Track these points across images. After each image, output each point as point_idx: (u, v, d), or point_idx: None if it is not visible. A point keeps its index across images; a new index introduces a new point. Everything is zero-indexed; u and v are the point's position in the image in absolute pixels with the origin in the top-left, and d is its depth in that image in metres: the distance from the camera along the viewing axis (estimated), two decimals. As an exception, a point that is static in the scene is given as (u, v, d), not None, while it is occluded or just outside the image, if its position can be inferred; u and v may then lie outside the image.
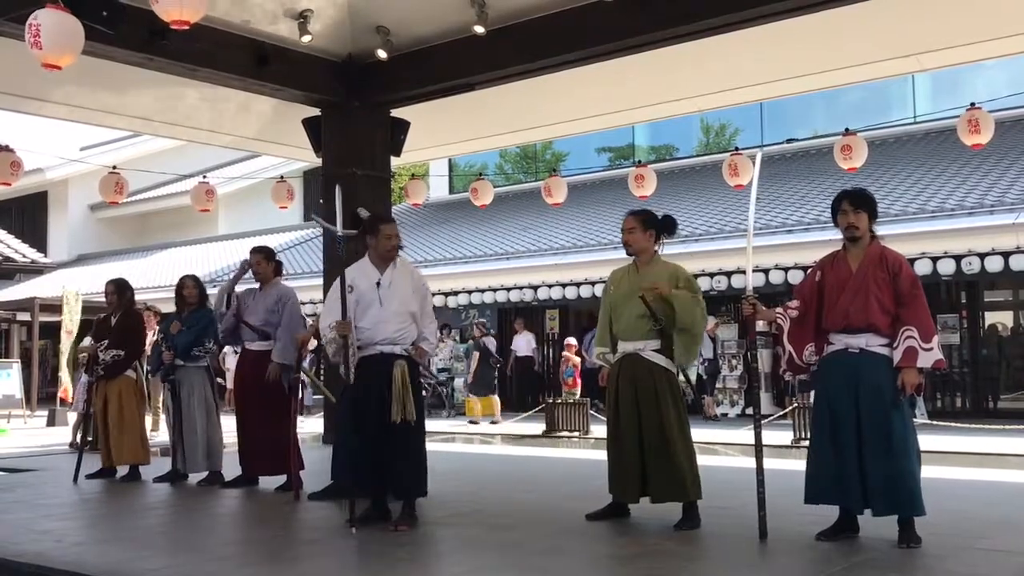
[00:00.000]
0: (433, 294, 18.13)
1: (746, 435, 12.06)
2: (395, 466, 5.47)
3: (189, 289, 7.92)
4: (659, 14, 8.20)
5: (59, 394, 16.63)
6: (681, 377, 5.62)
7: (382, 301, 5.55)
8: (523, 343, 17.69)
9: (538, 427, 13.88)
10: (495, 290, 17.36)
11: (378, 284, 5.58)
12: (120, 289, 8.24)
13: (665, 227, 5.70)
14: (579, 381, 14.90)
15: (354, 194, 9.75)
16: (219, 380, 8.94)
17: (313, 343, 8.39)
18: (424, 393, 5.86)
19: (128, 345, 8.11)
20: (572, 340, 15.43)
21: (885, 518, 4.84)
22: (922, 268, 13.08)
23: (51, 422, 15.86)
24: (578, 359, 15.10)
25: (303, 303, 8.53)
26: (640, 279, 5.56)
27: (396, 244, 5.67)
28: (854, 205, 4.93)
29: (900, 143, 17.26)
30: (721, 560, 4.81)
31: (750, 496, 5.19)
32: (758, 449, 5.09)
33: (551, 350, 18.34)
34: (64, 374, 16.61)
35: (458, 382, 18.34)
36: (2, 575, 4.89)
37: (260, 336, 7.27)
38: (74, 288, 18.24)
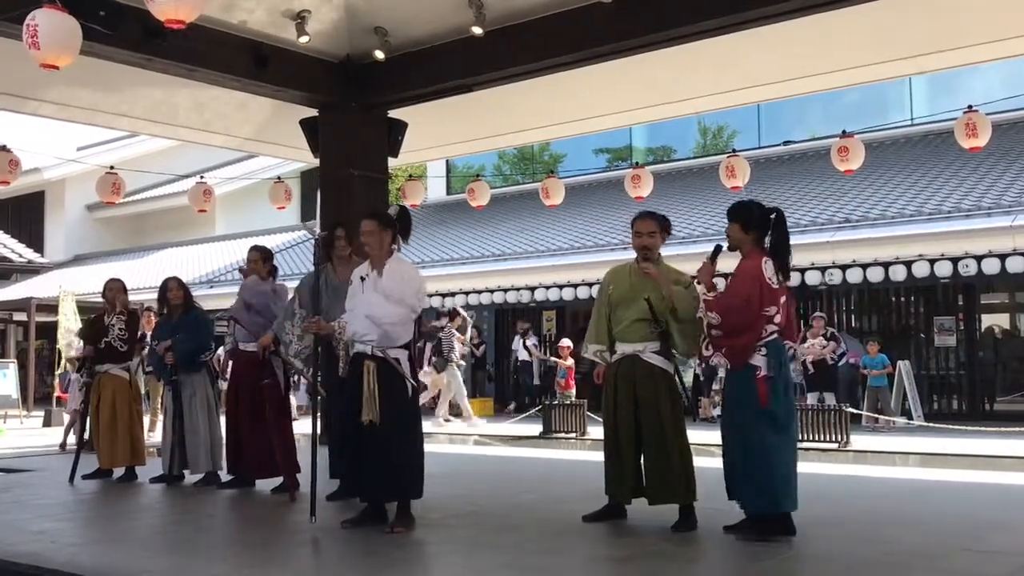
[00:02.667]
0: (430, 295, 18.18)
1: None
2: (375, 467, 5.43)
3: (174, 291, 7.89)
4: (657, 16, 8.20)
5: (56, 394, 16.60)
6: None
7: (363, 294, 5.53)
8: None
9: (535, 428, 13.88)
10: (492, 291, 17.37)
11: (362, 279, 5.58)
12: (125, 288, 8.36)
13: (667, 228, 5.70)
14: (572, 383, 14.89)
15: (351, 195, 9.79)
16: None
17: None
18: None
19: (132, 335, 8.16)
20: (567, 342, 15.43)
21: (885, 518, 4.85)
22: (919, 270, 13.10)
23: (47, 422, 15.84)
24: (571, 361, 15.09)
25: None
26: (641, 281, 5.54)
27: (366, 240, 5.56)
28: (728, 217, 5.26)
29: (897, 145, 17.28)
30: (718, 561, 4.81)
31: (747, 497, 5.19)
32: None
33: (549, 351, 18.34)
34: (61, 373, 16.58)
35: (455, 383, 18.36)
36: (-2, 575, 4.89)
37: (254, 337, 7.25)
38: (71, 289, 18.26)
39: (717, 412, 15.35)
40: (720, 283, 5.44)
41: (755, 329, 4.99)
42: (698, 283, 5.26)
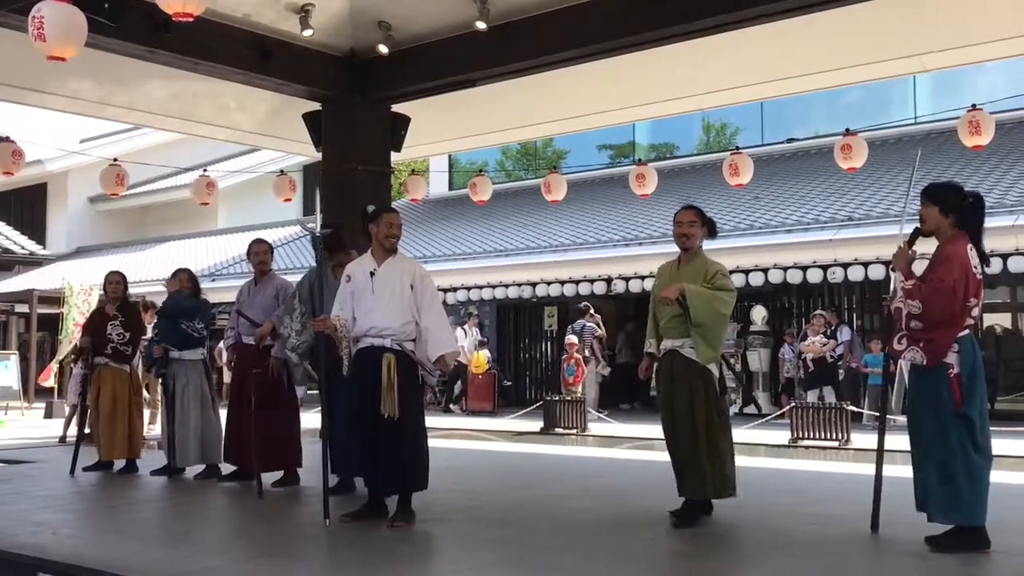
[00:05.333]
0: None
1: (744, 434, 12.10)
2: (386, 461, 5.45)
3: (181, 282, 7.92)
4: (661, 12, 8.18)
5: (40, 378, 16.55)
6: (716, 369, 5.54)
7: (374, 290, 5.55)
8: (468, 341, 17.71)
9: (536, 424, 13.89)
10: (494, 287, 17.36)
11: (372, 273, 5.60)
12: (125, 281, 8.39)
13: (711, 226, 5.75)
14: (580, 379, 14.93)
15: (354, 189, 9.78)
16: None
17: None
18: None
19: (133, 331, 8.16)
20: (574, 338, 15.44)
21: (889, 517, 4.85)
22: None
23: (48, 414, 15.85)
24: (579, 356, 15.11)
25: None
26: (681, 275, 5.59)
27: (397, 234, 5.69)
28: (925, 198, 4.93)
29: (900, 143, 17.26)
30: (720, 557, 4.81)
31: (748, 494, 5.20)
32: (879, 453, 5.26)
33: (550, 347, 18.36)
34: (55, 363, 16.53)
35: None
36: (-1, 566, 4.90)
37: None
38: (75, 280, 18.24)
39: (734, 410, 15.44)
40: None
41: (959, 321, 4.64)
42: (894, 270, 4.95)
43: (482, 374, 16.91)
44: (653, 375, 5.73)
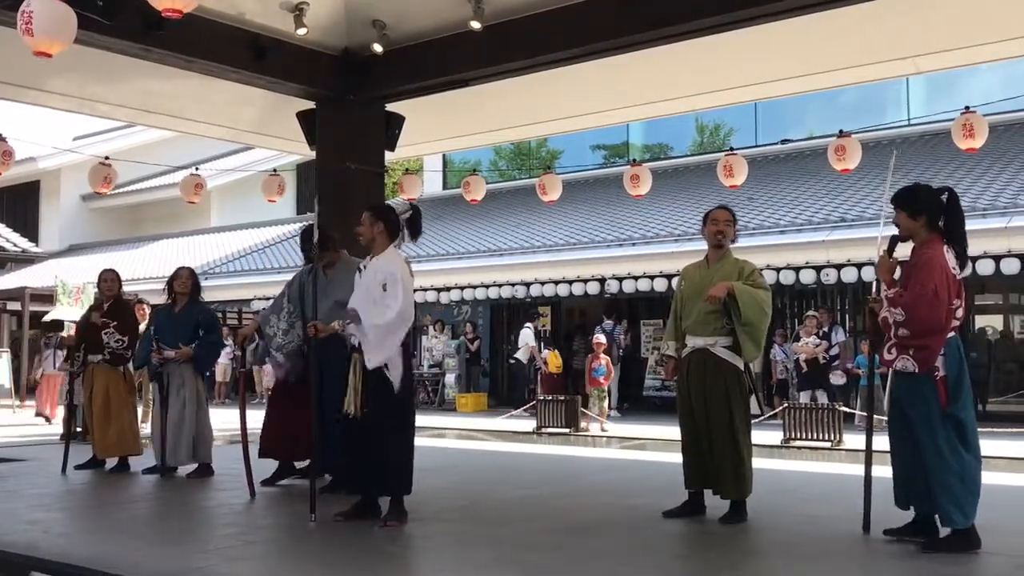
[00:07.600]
0: (425, 289, 18.15)
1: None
2: (366, 461, 5.43)
3: (182, 281, 7.88)
4: (654, 13, 8.19)
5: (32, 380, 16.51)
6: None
7: (356, 289, 5.56)
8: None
9: (528, 424, 13.89)
10: (487, 286, 17.37)
11: (358, 273, 5.62)
12: (120, 279, 8.35)
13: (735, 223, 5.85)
14: (610, 378, 14.89)
15: (348, 188, 9.77)
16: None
17: None
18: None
19: (129, 332, 8.14)
20: (602, 337, 15.40)
21: (878, 517, 4.85)
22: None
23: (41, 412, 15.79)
24: (606, 356, 15.12)
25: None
26: (711, 273, 5.61)
27: (360, 231, 5.60)
28: (893, 205, 4.96)
29: (894, 145, 17.28)
30: (714, 557, 4.81)
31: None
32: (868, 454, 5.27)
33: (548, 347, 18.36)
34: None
35: (449, 378, 18.38)
36: (-10, 565, 4.88)
37: None
38: (68, 278, 18.20)
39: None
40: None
41: (947, 325, 4.58)
42: (876, 279, 4.96)
43: (558, 375, 16.84)
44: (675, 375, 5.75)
